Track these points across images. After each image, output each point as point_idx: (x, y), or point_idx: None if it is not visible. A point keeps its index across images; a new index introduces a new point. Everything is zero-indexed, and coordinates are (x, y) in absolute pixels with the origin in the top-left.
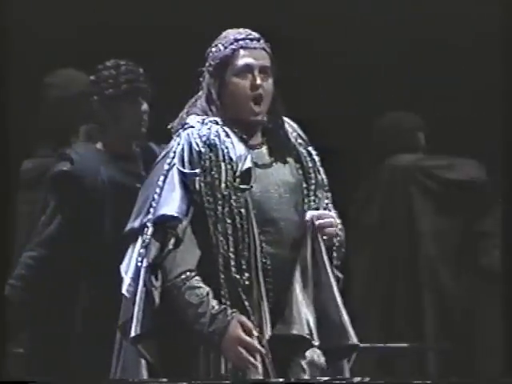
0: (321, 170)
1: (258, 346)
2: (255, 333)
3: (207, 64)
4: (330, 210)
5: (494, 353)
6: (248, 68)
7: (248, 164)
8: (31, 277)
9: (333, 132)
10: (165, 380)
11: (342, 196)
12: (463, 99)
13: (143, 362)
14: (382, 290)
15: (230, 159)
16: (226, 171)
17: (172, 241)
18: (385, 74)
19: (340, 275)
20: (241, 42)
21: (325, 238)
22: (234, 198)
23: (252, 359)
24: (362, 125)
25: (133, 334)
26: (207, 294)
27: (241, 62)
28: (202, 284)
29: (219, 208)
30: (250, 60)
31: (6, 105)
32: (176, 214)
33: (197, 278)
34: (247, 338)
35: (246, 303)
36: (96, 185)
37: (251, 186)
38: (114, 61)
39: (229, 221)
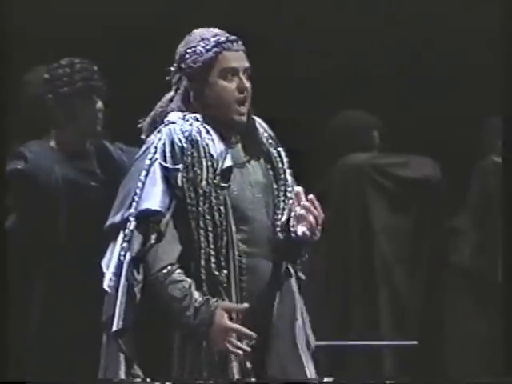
0: (289, 171)
1: (246, 330)
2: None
3: (184, 66)
4: None
5: (462, 350)
6: (234, 71)
7: (229, 162)
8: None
9: (286, 132)
10: (162, 380)
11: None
12: (420, 97)
13: (122, 356)
14: (336, 288)
15: (211, 156)
16: (207, 168)
17: (154, 235)
18: (339, 74)
19: (303, 277)
20: (223, 45)
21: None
22: (213, 195)
23: (242, 345)
24: (316, 125)
25: (114, 328)
26: (189, 286)
27: (227, 65)
28: (184, 277)
29: (201, 204)
30: (235, 63)
31: None
32: (159, 209)
33: (179, 271)
34: (234, 325)
35: (226, 299)
36: (50, 183)
37: (229, 185)
38: (69, 59)
39: (209, 217)
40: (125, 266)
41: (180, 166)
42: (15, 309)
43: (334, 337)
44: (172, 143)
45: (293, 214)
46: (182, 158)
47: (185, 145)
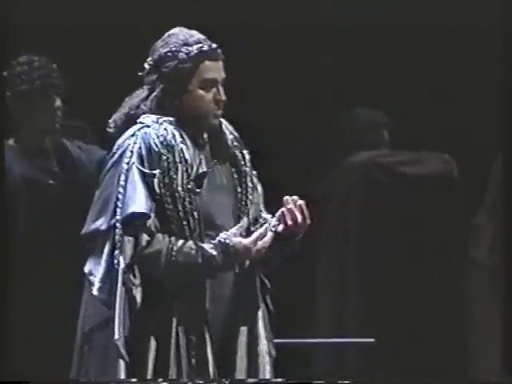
0: (254, 173)
1: (260, 231)
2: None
3: (164, 69)
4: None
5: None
6: (213, 82)
7: (204, 168)
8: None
9: (292, 130)
10: (162, 379)
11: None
12: (430, 95)
13: (122, 363)
14: (338, 287)
15: (186, 161)
16: (182, 173)
17: (145, 237)
18: (348, 72)
19: (268, 284)
20: (205, 54)
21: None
22: (188, 200)
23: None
24: (323, 123)
25: (116, 336)
26: (195, 244)
27: (207, 75)
28: (181, 242)
29: (179, 207)
30: (215, 74)
31: None
32: (145, 211)
33: (177, 245)
34: (250, 238)
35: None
36: (8, 181)
37: (202, 190)
38: (27, 57)
39: (185, 222)
40: (120, 272)
41: (157, 172)
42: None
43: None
44: (148, 148)
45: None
46: (158, 163)
47: (161, 150)
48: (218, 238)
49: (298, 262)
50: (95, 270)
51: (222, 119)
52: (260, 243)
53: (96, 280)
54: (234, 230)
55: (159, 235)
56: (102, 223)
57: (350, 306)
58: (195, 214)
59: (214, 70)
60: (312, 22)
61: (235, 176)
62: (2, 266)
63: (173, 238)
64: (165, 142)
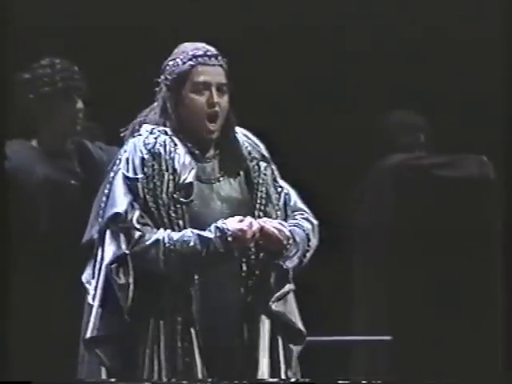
0: (275, 184)
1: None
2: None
3: (164, 77)
4: (299, 226)
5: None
6: (205, 85)
7: (190, 179)
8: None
9: (328, 132)
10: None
11: (337, 197)
12: (464, 98)
13: (103, 369)
14: (374, 288)
15: (174, 170)
16: (168, 182)
17: (136, 232)
18: (386, 74)
19: (292, 286)
20: (199, 59)
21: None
22: (172, 209)
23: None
24: (360, 123)
25: (88, 335)
26: (192, 233)
27: (199, 79)
28: (181, 233)
29: (163, 214)
30: (207, 77)
31: None
32: (123, 211)
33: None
34: (244, 222)
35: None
36: (31, 182)
37: (191, 201)
38: (49, 59)
39: (169, 230)
40: (102, 272)
41: (140, 176)
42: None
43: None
44: (134, 155)
45: None
46: (142, 170)
47: (145, 156)
48: (213, 224)
49: (328, 260)
50: (89, 278)
51: (241, 130)
52: (255, 226)
53: (91, 288)
54: (231, 218)
55: (155, 230)
56: (94, 232)
57: (377, 307)
58: (180, 222)
59: (207, 73)
60: (345, 23)
61: (248, 188)
62: (2, 266)
63: (168, 231)
64: (152, 150)
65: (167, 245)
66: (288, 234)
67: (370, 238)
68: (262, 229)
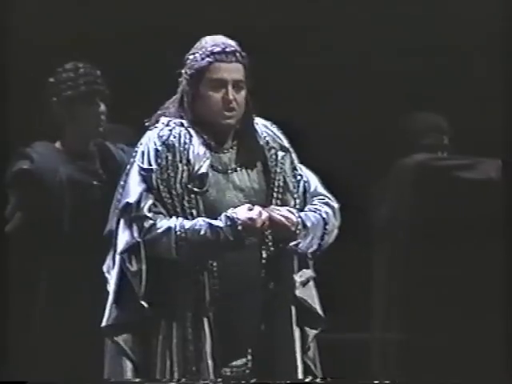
0: (294, 173)
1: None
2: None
3: (184, 70)
4: (315, 210)
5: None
6: (222, 82)
7: (203, 169)
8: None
9: (353, 128)
10: (165, 380)
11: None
12: (492, 102)
13: (125, 360)
14: (393, 288)
15: (188, 161)
16: (182, 172)
17: (148, 221)
18: (414, 75)
19: (311, 273)
20: (217, 56)
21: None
22: (186, 198)
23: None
24: (384, 123)
25: (104, 323)
26: (202, 221)
27: (215, 75)
28: (192, 222)
29: (177, 204)
30: (224, 75)
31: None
32: (135, 200)
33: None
34: (253, 211)
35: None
36: (55, 182)
37: (206, 190)
38: (73, 63)
39: (181, 219)
40: (117, 259)
41: (154, 167)
42: (16, 309)
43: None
44: (149, 146)
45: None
46: (156, 161)
47: (159, 147)
48: (224, 213)
49: (349, 258)
50: (110, 268)
51: (261, 120)
52: (264, 215)
53: (110, 277)
54: (240, 207)
55: (167, 218)
56: (113, 223)
57: (394, 304)
58: (194, 212)
59: (224, 71)
60: (371, 21)
61: (265, 177)
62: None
63: (180, 219)
64: (166, 142)
65: (178, 233)
66: (296, 220)
67: (390, 236)
68: (269, 217)
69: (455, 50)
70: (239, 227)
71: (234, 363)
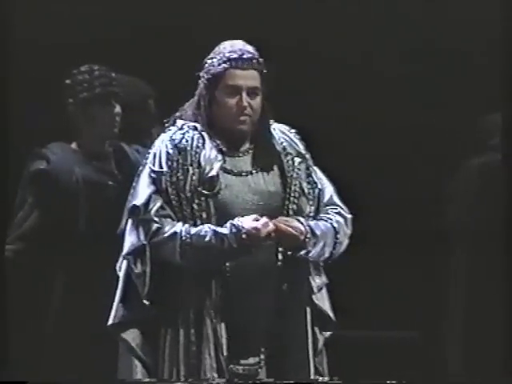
0: (309, 179)
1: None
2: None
3: (202, 74)
4: (327, 220)
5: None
6: (236, 89)
7: (213, 172)
8: (10, 269)
9: (422, 127)
10: (168, 379)
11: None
12: None
13: (135, 361)
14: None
15: (199, 164)
16: (192, 175)
17: (155, 225)
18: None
19: (325, 280)
20: (233, 62)
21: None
22: (196, 201)
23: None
24: (455, 122)
25: (110, 321)
26: (209, 228)
27: (230, 82)
28: (198, 228)
29: (184, 207)
30: (239, 81)
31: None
32: (141, 204)
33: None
34: (260, 221)
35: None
36: (71, 182)
37: (217, 193)
38: (88, 66)
39: (191, 222)
40: (124, 262)
41: (164, 170)
42: (17, 308)
43: None
44: (161, 149)
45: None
46: (166, 163)
47: (170, 150)
48: (230, 221)
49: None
50: (120, 265)
51: (279, 126)
52: (270, 226)
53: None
54: (247, 217)
55: (174, 222)
56: (123, 223)
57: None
58: (204, 215)
59: (240, 77)
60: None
61: (281, 181)
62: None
63: (187, 224)
64: (178, 145)
65: (184, 238)
66: (304, 229)
67: (458, 237)
68: (276, 228)
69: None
70: (243, 235)
71: (246, 361)
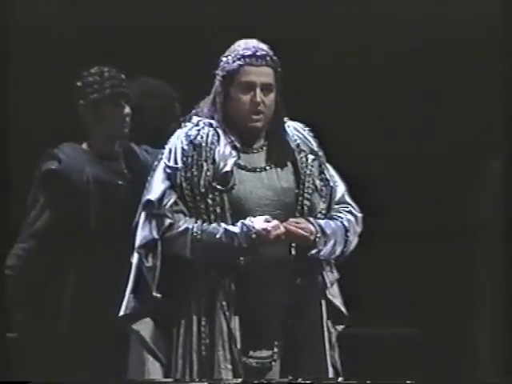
0: (321, 177)
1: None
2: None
3: (217, 72)
4: (338, 218)
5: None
6: (250, 85)
7: (227, 168)
8: (23, 267)
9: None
10: (170, 379)
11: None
12: None
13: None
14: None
15: (213, 160)
16: (207, 171)
17: (167, 220)
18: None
19: (336, 275)
20: (247, 59)
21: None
22: (210, 196)
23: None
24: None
25: (122, 312)
26: (219, 226)
27: (244, 78)
28: (209, 225)
29: (198, 203)
30: (253, 78)
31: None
32: (156, 198)
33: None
34: (270, 223)
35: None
36: (82, 182)
37: (232, 188)
38: (98, 68)
39: (205, 217)
40: (135, 255)
41: (179, 166)
42: (45, 299)
43: None
44: (176, 145)
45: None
46: (181, 159)
47: (185, 146)
48: (241, 221)
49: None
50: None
51: (293, 123)
52: (281, 229)
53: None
54: (259, 217)
55: (187, 218)
56: (138, 216)
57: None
58: (218, 210)
59: (253, 74)
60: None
61: (295, 178)
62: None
63: (199, 221)
64: (193, 141)
65: (195, 234)
66: (313, 228)
67: (485, 237)
68: (286, 230)
69: None
70: (253, 235)
71: (260, 354)
